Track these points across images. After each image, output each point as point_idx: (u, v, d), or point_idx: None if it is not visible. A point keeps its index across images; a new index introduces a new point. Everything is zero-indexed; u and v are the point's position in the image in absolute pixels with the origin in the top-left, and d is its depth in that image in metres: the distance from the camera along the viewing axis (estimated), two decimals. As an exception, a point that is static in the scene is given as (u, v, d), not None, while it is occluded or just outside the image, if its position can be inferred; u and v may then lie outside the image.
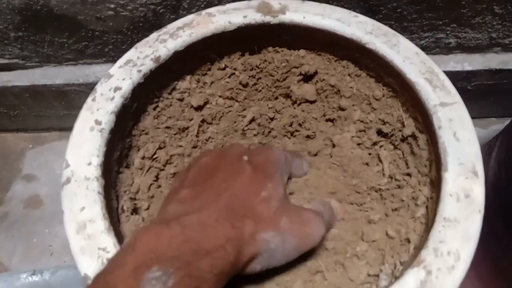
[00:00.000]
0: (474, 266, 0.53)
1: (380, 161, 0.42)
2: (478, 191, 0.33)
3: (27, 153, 0.76)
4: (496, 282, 0.51)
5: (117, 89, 0.38)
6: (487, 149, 0.56)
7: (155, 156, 0.43)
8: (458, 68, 0.61)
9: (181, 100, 0.44)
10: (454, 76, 0.62)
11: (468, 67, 0.61)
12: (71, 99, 0.66)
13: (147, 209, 0.40)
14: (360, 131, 0.44)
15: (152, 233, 0.27)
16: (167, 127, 0.44)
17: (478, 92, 0.66)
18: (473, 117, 0.72)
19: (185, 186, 0.33)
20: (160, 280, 0.23)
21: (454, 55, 0.61)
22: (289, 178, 0.40)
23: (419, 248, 0.32)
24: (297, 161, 0.42)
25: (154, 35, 0.41)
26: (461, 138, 0.35)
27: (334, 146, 0.46)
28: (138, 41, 0.41)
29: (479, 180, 0.33)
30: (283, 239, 0.31)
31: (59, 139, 0.76)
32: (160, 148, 0.43)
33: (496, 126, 0.74)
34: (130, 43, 0.56)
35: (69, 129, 0.36)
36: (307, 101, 0.47)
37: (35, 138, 0.77)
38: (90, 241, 0.32)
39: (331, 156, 0.46)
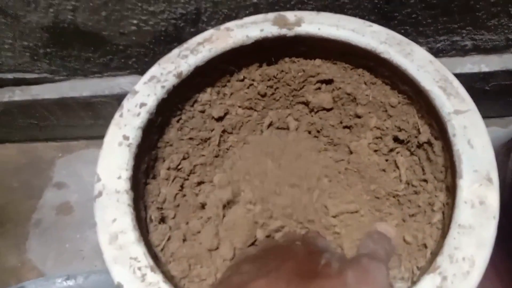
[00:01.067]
0: (495, 266, 0.54)
1: (397, 167, 0.43)
2: (492, 198, 0.33)
3: (56, 162, 0.79)
4: (517, 283, 0.52)
5: (142, 105, 0.40)
6: (506, 149, 0.57)
7: (179, 167, 0.45)
8: (475, 69, 0.61)
9: (202, 112, 0.46)
10: (471, 78, 0.62)
11: (485, 69, 0.61)
12: (97, 109, 0.69)
13: (174, 218, 0.42)
14: (377, 137, 0.45)
15: None
16: (190, 138, 0.46)
17: (496, 92, 0.66)
18: (492, 117, 0.73)
19: None
20: None
21: (470, 56, 0.62)
22: None
23: (435, 253, 0.33)
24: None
25: (175, 51, 0.43)
26: (475, 145, 0.36)
27: (351, 152, 0.47)
28: (160, 53, 0.43)
29: (494, 187, 0.34)
30: None
31: (87, 148, 0.79)
32: (184, 158, 0.45)
33: (516, 124, 0.74)
34: (153, 56, 0.58)
35: (96, 137, 0.39)
36: (324, 109, 0.48)
37: (64, 147, 0.80)
38: (122, 251, 0.34)
39: (349, 163, 0.47)
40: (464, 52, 0.61)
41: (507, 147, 0.57)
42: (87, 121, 0.72)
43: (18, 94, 0.67)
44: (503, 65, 0.61)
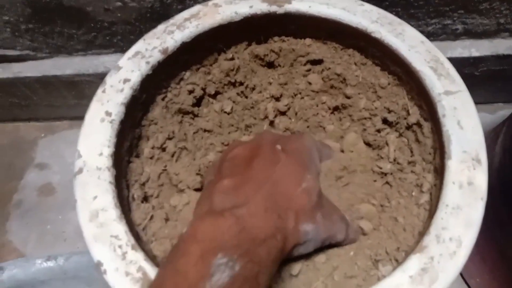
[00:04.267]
0: (479, 251, 0.54)
1: (387, 144, 0.43)
2: (481, 178, 0.33)
3: (39, 142, 0.77)
4: (501, 268, 0.52)
5: (126, 80, 0.39)
6: (493, 135, 0.57)
7: (164, 146, 0.44)
8: (465, 54, 0.61)
9: (190, 91, 0.45)
10: (461, 62, 0.62)
11: (475, 53, 0.61)
12: (81, 89, 0.67)
13: (157, 197, 0.41)
14: (365, 118, 0.45)
15: (209, 224, 0.28)
16: (176, 117, 0.45)
17: (485, 78, 0.66)
18: (480, 103, 0.73)
19: (224, 177, 0.33)
20: (227, 266, 0.25)
21: (461, 41, 0.61)
22: None
23: (422, 234, 0.33)
24: (327, 151, 0.43)
25: (161, 26, 0.42)
26: (465, 126, 0.35)
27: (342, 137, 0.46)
28: (146, 31, 0.42)
29: (482, 168, 0.34)
30: (318, 232, 0.33)
31: (70, 128, 0.78)
32: (169, 138, 0.44)
33: (503, 111, 0.74)
34: (139, 34, 0.57)
35: (80, 118, 0.37)
36: (312, 90, 0.47)
37: (47, 127, 0.78)
38: (103, 229, 0.33)
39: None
40: (455, 36, 0.60)
41: (494, 132, 0.57)
42: (71, 100, 0.71)
43: (-1, 72, 0.65)
44: (493, 50, 0.60)
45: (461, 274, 0.60)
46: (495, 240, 0.51)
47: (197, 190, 0.44)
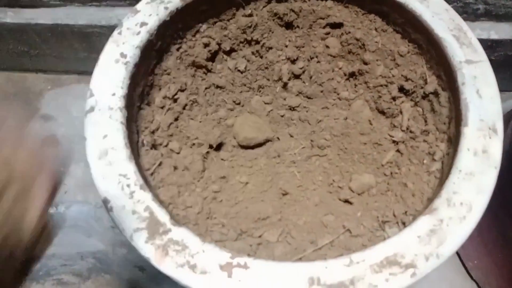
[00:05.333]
0: (479, 233, 0.54)
1: (401, 112, 0.42)
2: (496, 147, 0.33)
3: (45, 94, 0.77)
4: (500, 249, 0.52)
5: (143, 24, 0.38)
6: (505, 119, 0.56)
7: (176, 97, 0.43)
8: (484, 36, 0.60)
9: (205, 44, 0.44)
10: (479, 45, 0.61)
11: (494, 36, 0.60)
12: (92, 41, 0.66)
13: (166, 145, 0.41)
14: (381, 85, 0.44)
15: None
16: (189, 69, 0.44)
17: (501, 63, 0.65)
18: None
19: None
20: None
21: (481, 22, 0.60)
22: None
23: (431, 199, 0.33)
24: None
25: (182, -26, 0.41)
26: (483, 95, 0.35)
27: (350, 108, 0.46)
28: (165, -17, 0.41)
29: (498, 137, 0.33)
30: None
31: (78, 82, 0.77)
32: (181, 90, 0.44)
33: (514, 100, 0.73)
34: (155, -13, 0.56)
35: (89, 73, 0.36)
36: (330, 55, 0.47)
37: (54, 80, 0.77)
38: (112, 167, 0.33)
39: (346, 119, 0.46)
40: (475, 16, 0.59)
41: (505, 119, 0.57)
42: (81, 53, 0.70)
43: (11, 16, 0.64)
44: (513, 34, 0.59)
45: (458, 256, 0.60)
46: (497, 222, 0.51)
47: (210, 146, 0.44)
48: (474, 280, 0.58)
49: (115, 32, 0.38)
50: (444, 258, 0.29)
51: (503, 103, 0.73)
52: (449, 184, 0.31)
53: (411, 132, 0.41)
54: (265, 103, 0.48)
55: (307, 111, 0.48)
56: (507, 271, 0.51)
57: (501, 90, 0.72)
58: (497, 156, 0.32)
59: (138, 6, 0.40)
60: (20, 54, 0.72)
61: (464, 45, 0.37)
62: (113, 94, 0.36)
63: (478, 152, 0.32)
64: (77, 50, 0.69)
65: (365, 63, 0.45)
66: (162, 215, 0.31)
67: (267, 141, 0.47)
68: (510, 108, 0.60)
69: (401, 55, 0.43)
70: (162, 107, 0.42)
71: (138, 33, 0.38)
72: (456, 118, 0.36)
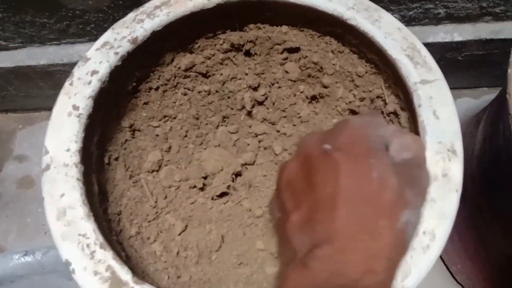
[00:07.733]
0: (461, 239, 0.54)
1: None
2: (456, 170, 0.32)
3: (17, 134, 0.76)
4: (480, 253, 0.52)
5: (94, 72, 0.38)
6: (475, 121, 0.56)
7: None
8: (448, 39, 0.60)
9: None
10: (444, 47, 0.61)
11: (458, 38, 0.60)
12: (57, 79, 0.65)
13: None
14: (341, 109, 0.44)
15: (295, 278, 0.26)
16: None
17: (469, 63, 0.65)
18: (464, 87, 0.72)
19: (290, 212, 0.29)
20: None
21: (443, 25, 0.60)
22: None
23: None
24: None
25: (131, 15, 0.41)
26: (440, 116, 0.35)
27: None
28: (120, 19, 0.40)
29: (458, 159, 0.33)
30: (417, 206, 0.29)
31: (49, 119, 0.76)
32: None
33: (488, 96, 0.73)
34: (112, 21, 0.55)
35: None
36: (290, 80, 0.46)
37: (25, 118, 0.77)
38: (71, 227, 0.32)
39: None
40: (437, 20, 0.59)
41: (477, 118, 0.57)
42: (47, 91, 0.69)
43: (-29, 62, 0.63)
44: (476, 34, 0.59)
45: (442, 260, 0.60)
46: (476, 227, 0.51)
47: None
48: (460, 284, 0.58)
49: (67, 83, 0.38)
50: (410, 291, 0.29)
51: (477, 100, 0.74)
52: (411, 213, 0.31)
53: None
54: (231, 133, 0.48)
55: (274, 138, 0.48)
56: (488, 274, 0.51)
57: (474, 86, 0.74)
58: (458, 178, 0.32)
59: (88, 53, 0.39)
60: (-13, 97, 0.71)
61: (419, 65, 0.37)
62: (68, 150, 0.35)
63: (438, 177, 0.32)
64: (43, 89, 0.68)
65: (325, 87, 0.44)
66: (124, 274, 0.30)
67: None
68: (485, 104, 0.60)
69: (359, 76, 0.42)
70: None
71: (90, 82, 0.37)
72: (416, 140, 0.35)
